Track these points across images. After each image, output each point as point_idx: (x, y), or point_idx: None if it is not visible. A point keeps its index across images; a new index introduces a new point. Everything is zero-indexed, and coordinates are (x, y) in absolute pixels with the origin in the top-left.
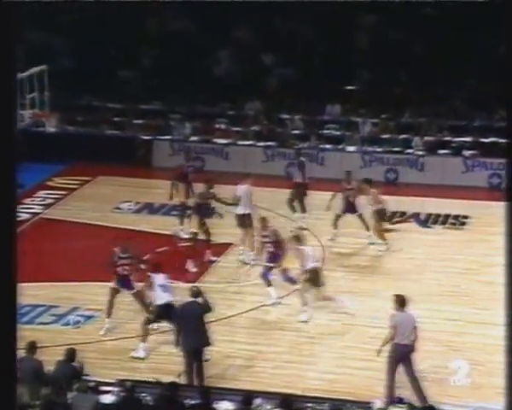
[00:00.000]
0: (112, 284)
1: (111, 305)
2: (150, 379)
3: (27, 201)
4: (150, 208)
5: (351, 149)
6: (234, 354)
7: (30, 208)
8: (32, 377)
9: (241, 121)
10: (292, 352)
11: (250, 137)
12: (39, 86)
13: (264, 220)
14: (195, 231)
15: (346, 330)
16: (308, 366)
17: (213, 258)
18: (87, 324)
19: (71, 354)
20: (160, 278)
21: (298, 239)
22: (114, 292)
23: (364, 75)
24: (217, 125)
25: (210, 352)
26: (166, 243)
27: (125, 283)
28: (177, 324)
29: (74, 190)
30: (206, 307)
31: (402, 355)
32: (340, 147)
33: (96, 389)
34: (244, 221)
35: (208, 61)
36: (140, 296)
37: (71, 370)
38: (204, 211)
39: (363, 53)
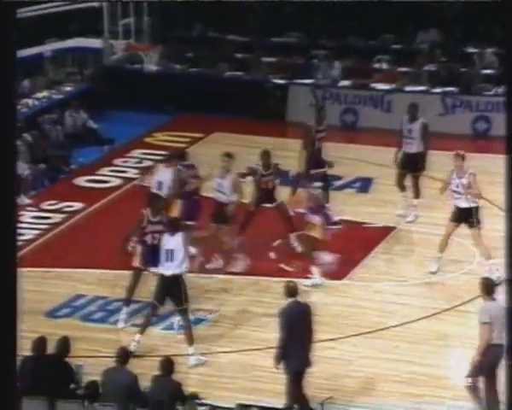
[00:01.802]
0: (136, 262)
1: (131, 290)
2: (279, 406)
3: (118, 162)
4: (284, 177)
5: None
6: (396, 377)
7: (121, 172)
8: (123, 394)
9: (411, 59)
10: None
11: (422, 80)
12: (136, 10)
13: None
14: None
15: None
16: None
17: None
18: (196, 328)
19: (169, 367)
20: (170, 241)
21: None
22: (138, 273)
23: None
24: (376, 65)
25: (361, 371)
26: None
27: (154, 256)
28: (282, 333)
29: (181, 149)
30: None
31: (497, 360)
32: None
33: None
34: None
35: None
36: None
37: (172, 387)
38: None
39: None
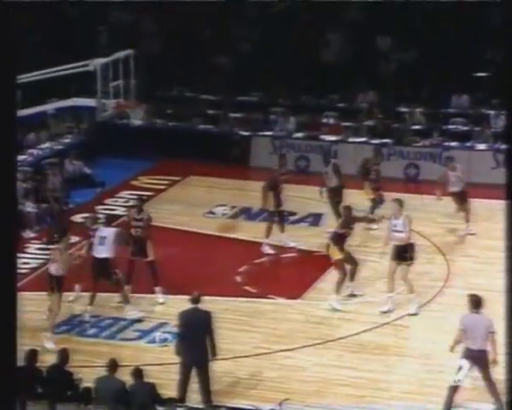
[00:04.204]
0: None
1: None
2: (248, 407)
3: (108, 201)
4: (248, 214)
5: (481, 146)
6: (342, 381)
7: (111, 210)
8: (112, 398)
9: (353, 115)
10: (410, 381)
11: (363, 133)
12: (124, 73)
13: None
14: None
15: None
16: (429, 397)
17: None
18: (175, 342)
19: (139, 373)
20: (106, 231)
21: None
22: (132, 264)
23: (497, 59)
24: (324, 120)
25: (314, 376)
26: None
27: (140, 248)
28: (179, 331)
29: (162, 190)
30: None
31: (473, 360)
32: (469, 144)
33: None
34: None
35: (315, 45)
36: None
37: (147, 389)
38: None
39: (496, 31)
